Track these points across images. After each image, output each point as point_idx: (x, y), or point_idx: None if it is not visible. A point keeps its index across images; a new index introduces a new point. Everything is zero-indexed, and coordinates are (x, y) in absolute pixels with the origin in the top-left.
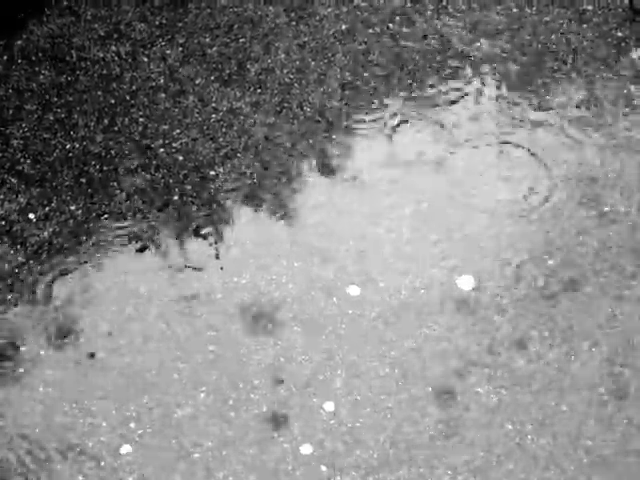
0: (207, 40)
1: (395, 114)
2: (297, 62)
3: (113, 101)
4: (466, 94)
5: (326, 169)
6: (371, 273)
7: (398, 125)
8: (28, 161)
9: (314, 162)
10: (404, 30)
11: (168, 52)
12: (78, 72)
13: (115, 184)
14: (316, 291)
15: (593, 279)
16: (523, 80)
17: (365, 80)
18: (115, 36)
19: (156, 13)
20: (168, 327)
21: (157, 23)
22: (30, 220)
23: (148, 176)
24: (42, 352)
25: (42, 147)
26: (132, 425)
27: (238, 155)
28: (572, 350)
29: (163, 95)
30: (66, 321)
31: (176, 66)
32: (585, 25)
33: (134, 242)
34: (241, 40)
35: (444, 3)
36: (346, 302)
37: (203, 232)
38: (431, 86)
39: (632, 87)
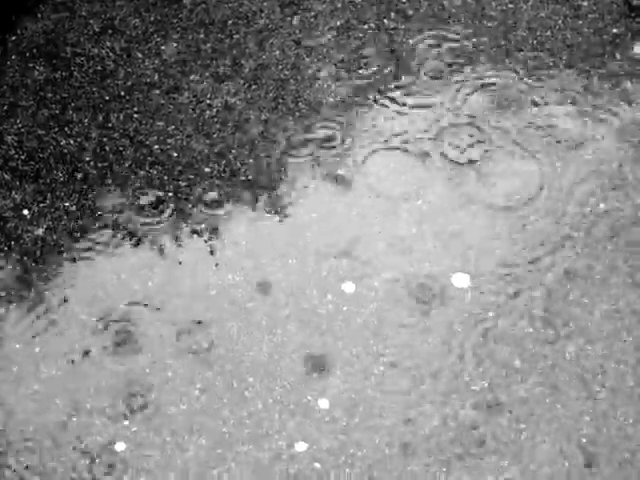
0: (201, 36)
1: (392, 110)
2: (292, 58)
3: (108, 97)
4: (460, 90)
5: (322, 166)
6: (366, 270)
7: (394, 120)
8: (22, 157)
9: (309, 159)
10: (400, 26)
11: (162, 48)
12: (73, 68)
13: (109, 181)
14: (311, 288)
15: (592, 273)
16: (518, 76)
17: (360, 76)
18: (110, 32)
19: (150, 9)
20: (162, 324)
21: (152, 19)
22: (24, 216)
23: (142, 172)
24: (36, 349)
25: (36, 143)
26: (126, 422)
27: (233, 151)
28: (567, 346)
29: (157, 91)
30: (60, 319)
31: (170, 62)
32: (580, 21)
33: (129, 239)
34: (235, 36)
35: None
36: (341, 299)
37: (198, 229)
38: (425, 82)
39: (628, 83)
